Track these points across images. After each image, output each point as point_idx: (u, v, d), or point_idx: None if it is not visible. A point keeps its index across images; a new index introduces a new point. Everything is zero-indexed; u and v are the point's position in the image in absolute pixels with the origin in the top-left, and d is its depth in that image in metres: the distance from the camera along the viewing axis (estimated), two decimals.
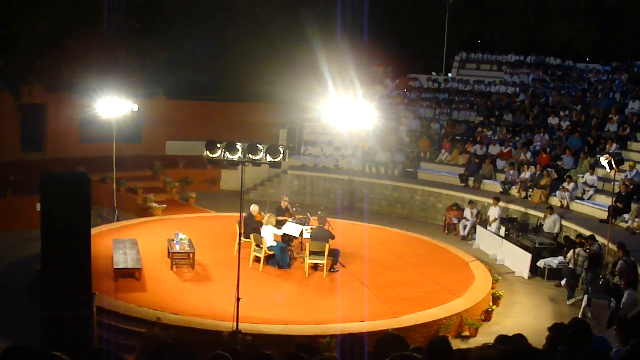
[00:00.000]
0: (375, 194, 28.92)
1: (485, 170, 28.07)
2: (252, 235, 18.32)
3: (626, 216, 21.73)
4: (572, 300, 18.30)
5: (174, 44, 34.65)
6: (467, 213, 25.32)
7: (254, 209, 19.74)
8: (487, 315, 16.49)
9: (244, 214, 18.40)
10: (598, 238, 19.28)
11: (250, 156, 13.40)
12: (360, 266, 18.83)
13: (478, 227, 24.43)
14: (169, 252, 17.92)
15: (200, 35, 37.17)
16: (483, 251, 23.04)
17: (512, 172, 26.85)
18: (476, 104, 35.68)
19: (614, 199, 21.54)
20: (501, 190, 26.57)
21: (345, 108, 24.78)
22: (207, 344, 12.77)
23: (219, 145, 13.41)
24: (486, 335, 14.51)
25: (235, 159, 13.48)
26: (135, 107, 24.38)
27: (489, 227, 23.92)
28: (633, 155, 26.27)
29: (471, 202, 25.46)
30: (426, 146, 31.55)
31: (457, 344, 14.48)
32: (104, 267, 16.71)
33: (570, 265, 18.86)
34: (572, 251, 19.02)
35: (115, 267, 16.39)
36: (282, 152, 13.56)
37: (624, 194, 22.21)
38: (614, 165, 19.01)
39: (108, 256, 17.48)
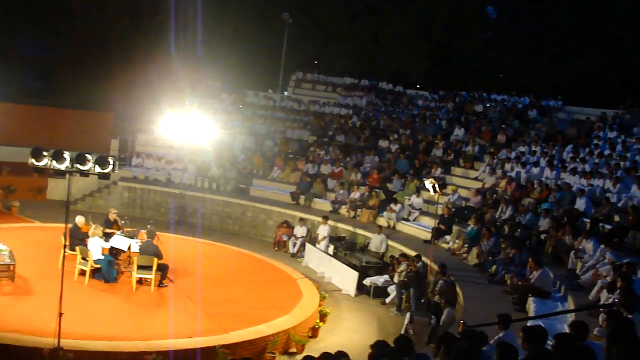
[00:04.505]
0: (207, 209, 28.76)
1: (316, 189, 28.56)
2: (77, 248, 17.69)
3: (447, 237, 22.75)
4: (398, 313, 19.02)
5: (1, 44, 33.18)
6: (297, 230, 25.63)
7: (80, 220, 19.07)
8: (314, 332, 16.68)
9: (70, 225, 17.78)
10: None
11: (78, 166, 12.94)
12: (189, 281, 18.61)
13: (307, 244, 24.72)
14: None
15: (31, 38, 35.79)
16: (312, 268, 23.34)
17: (342, 191, 27.47)
18: (310, 124, 36.29)
19: (437, 221, 22.52)
20: (331, 209, 27.11)
21: (179, 121, 24.52)
22: None
23: (45, 153, 12.83)
24: (312, 352, 14.59)
25: (62, 169, 12.96)
26: None
27: (317, 245, 24.28)
28: (455, 179, 27.65)
29: (301, 220, 25.80)
30: (259, 163, 31.72)
31: None
32: None
33: (401, 278, 19.59)
34: (404, 264, 19.75)
35: None
36: (111, 163, 13.19)
37: (446, 216, 23.23)
38: (437, 189, 19.83)
39: None
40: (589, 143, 27.15)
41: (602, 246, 16.48)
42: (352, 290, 20.73)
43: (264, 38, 48.57)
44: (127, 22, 39.38)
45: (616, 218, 19.45)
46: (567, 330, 9.35)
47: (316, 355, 8.94)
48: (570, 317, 12.83)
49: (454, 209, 23.84)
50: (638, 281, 13.49)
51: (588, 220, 19.70)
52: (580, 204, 20.65)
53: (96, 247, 17.52)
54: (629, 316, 9.00)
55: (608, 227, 18.84)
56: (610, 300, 12.63)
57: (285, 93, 44.80)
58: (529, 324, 10.81)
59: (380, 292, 20.62)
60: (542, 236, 19.83)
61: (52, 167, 12.95)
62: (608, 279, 14.46)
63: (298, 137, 35.07)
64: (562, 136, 28.79)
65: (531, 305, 15.46)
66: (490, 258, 19.58)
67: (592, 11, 50.07)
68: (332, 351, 9.31)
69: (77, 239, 18.26)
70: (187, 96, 33.19)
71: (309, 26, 51.72)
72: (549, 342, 7.99)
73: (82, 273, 17.47)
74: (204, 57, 40.46)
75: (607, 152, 25.20)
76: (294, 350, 15.52)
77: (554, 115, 33.74)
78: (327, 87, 44.33)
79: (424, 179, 24.33)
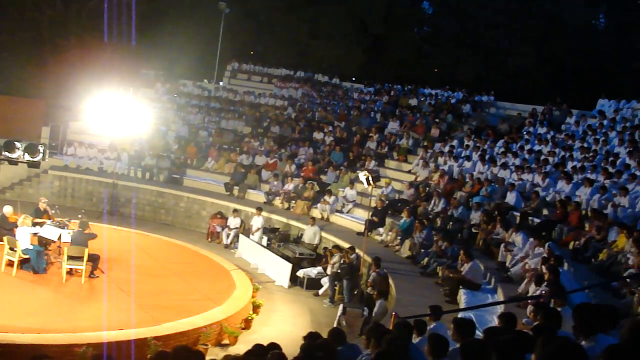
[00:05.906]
0: (140, 199, 28.39)
1: (250, 180, 28.49)
2: (5, 238, 17.30)
3: (381, 230, 22.94)
4: (331, 305, 19.09)
5: None
6: (231, 221, 25.53)
7: (7, 210, 18.67)
8: (247, 324, 16.65)
9: None
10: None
11: (7, 154, 12.67)
12: (122, 273, 18.35)
13: (241, 235, 24.64)
14: None
15: None
16: (245, 260, 23.27)
17: (276, 182, 27.46)
18: (245, 114, 36.17)
19: (371, 213, 22.70)
20: (265, 200, 27.08)
21: (112, 109, 24.14)
22: None
23: None
24: (245, 343, 14.67)
25: None
26: None
27: (251, 236, 24.22)
28: (389, 172, 27.90)
29: (235, 211, 25.70)
30: (193, 153, 31.47)
31: (216, 352, 14.56)
32: None
33: (334, 270, 19.70)
34: (337, 255, 19.87)
35: None
36: (41, 150, 12.94)
37: (379, 208, 23.41)
38: (371, 181, 20.00)
39: None
40: (520, 138, 27.68)
41: (531, 239, 16.85)
42: (285, 282, 20.76)
43: (200, 27, 48.10)
44: (59, 7, 38.60)
45: (545, 212, 19.90)
46: (496, 321, 9.55)
47: (249, 347, 8.94)
48: (500, 308, 13.06)
49: (387, 202, 24.04)
50: (564, 273, 13.81)
51: (518, 214, 20.14)
52: (511, 197, 21.05)
53: (25, 237, 17.16)
54: (559, 309, 9.22)
55: (537, 220, 19.28)
56: (538, 292, 12.93)
57: (221, 83, 44.55)
58: (459, 315, 10.99)
59: (313, 284, 20.72)
60: (474, 229, 20.18)
61: None
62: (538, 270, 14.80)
63: (233, 127, 34.90)
64: (494, 131, 29.28)
65: (462, 297, 15.73)
66: (422, 250, 19.83)
67: (523, 8, 51.06)
68: (265, 343, 9.33)
69: (5, 229, 17.89)
70: (120, 84, 32.71)
71: (245, 16, 51.46)
72: (478, 333, 8.16)
73: (10, 264, 17.08)
74: (138, 45, 39.89)
75: (536, 147, 25.73)
76: (226, 341, 15.48)
77: (486, 110, 34.29)
78: (263, 78, 44.29)
79: (358, 171, 24.48)
